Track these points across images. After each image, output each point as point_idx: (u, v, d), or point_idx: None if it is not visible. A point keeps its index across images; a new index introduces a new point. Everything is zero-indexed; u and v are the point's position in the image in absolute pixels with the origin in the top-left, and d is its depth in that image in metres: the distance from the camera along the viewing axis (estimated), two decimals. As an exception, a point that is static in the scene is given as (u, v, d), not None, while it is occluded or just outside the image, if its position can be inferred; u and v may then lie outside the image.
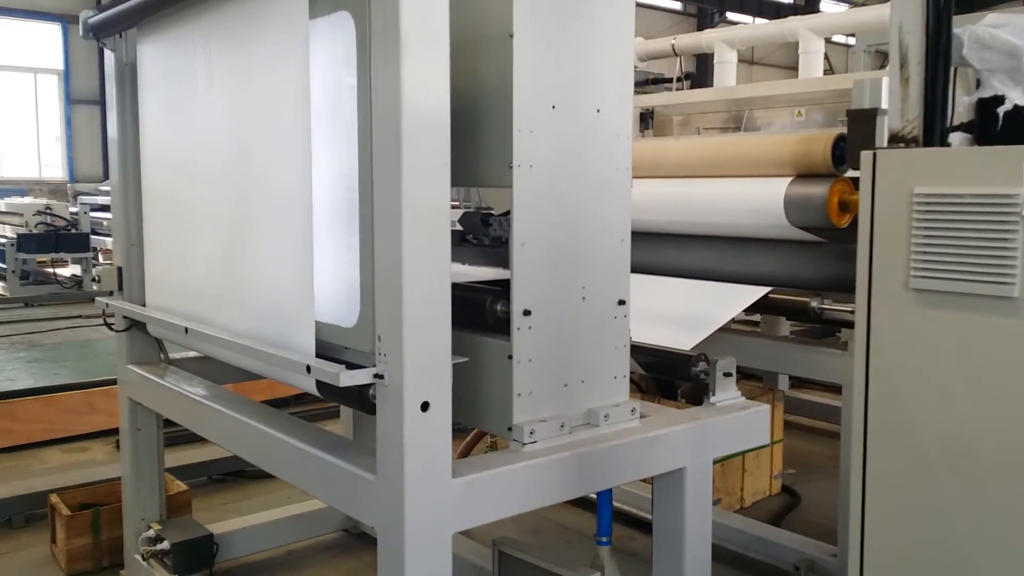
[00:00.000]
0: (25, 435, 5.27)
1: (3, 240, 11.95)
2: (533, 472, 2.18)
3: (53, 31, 18.89)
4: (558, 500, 2.30)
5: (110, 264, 3.47)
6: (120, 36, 3.28)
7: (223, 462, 4.70)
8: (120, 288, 3.35)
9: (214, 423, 2.80)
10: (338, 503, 2.31)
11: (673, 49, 6.70)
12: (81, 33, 3.35)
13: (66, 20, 18.62)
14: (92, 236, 12.43)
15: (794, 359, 3.83)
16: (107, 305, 3.35)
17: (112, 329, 3.41)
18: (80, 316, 9.87)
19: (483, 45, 2.26)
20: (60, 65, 19.16)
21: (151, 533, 3.35)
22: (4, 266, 11.84)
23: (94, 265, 12.40)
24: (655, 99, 5.63)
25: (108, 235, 13.55)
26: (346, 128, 2.18)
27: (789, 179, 3.32)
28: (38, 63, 19.02)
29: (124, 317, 3.33)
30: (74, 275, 12.44)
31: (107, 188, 15.10)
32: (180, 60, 2.92)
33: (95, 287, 11.54)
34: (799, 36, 6.58)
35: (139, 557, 3.39)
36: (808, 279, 3.42)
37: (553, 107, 2.27)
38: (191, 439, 4.69)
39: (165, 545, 3.28)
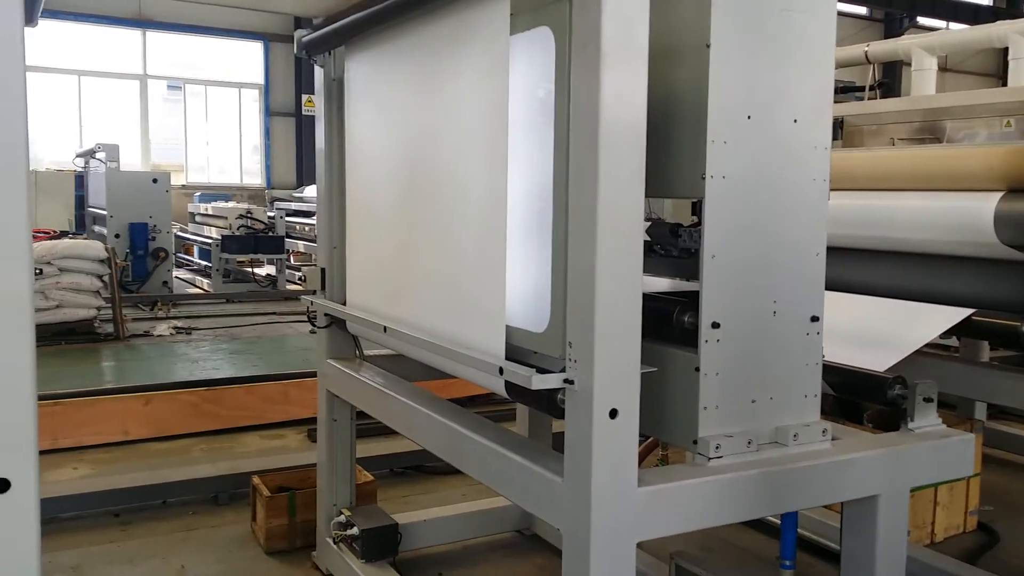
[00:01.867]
0: (229, 420, 5.75)
1: (209, 240, 13.12)
2: (719, 488, 2.16)
3: (255, 49, 20.48)
4: (743, 519, 2.26)
5: (311, 265, 3.73)
6: (329, 54, 3.51)
7: (404, 456, 4.91)
8: (323, 288, 3.60)
9: (406, 417, 2.94)
10: (524, 502, 2.37)
11: (866, 56, 6.41)
12: (295, 51, 3.61)
13: (267, 39, 20.19)
14: (286, 239, 13.41)
15: (998, 387, 3.56)
16: (311, 303, 3.61)
17: (314, 325, 3.66)
18: (275, 313, 10.63)
19: (678, 55, 2.26)
20: (261, 80, 20.78)
21: (342, 518, 3.55)
22: (209, 264, 13.00)
23: (287, 266, 13.36)
24: (845, 108, 5.40)
25: (300, 238, 14.57)
26: (540, 139, 2.25)
27: (999, 194, 3.10)
28: (241, 78, 20.73)
29: (325, 315, 3.57)
30: (269, 275, 13.42)
31: (300, 195, 16.31)
32: (384, 75, 3.11)
33: (301, 286, 12.50)
34: (1008, 41, 6.13)
35: (330, 540, 3.60)
36: (1019, 302, 3.17)
37: (748, 118, 2.25)
38: (374, 432, 4.95)
39: (355, 531, 3.45)
